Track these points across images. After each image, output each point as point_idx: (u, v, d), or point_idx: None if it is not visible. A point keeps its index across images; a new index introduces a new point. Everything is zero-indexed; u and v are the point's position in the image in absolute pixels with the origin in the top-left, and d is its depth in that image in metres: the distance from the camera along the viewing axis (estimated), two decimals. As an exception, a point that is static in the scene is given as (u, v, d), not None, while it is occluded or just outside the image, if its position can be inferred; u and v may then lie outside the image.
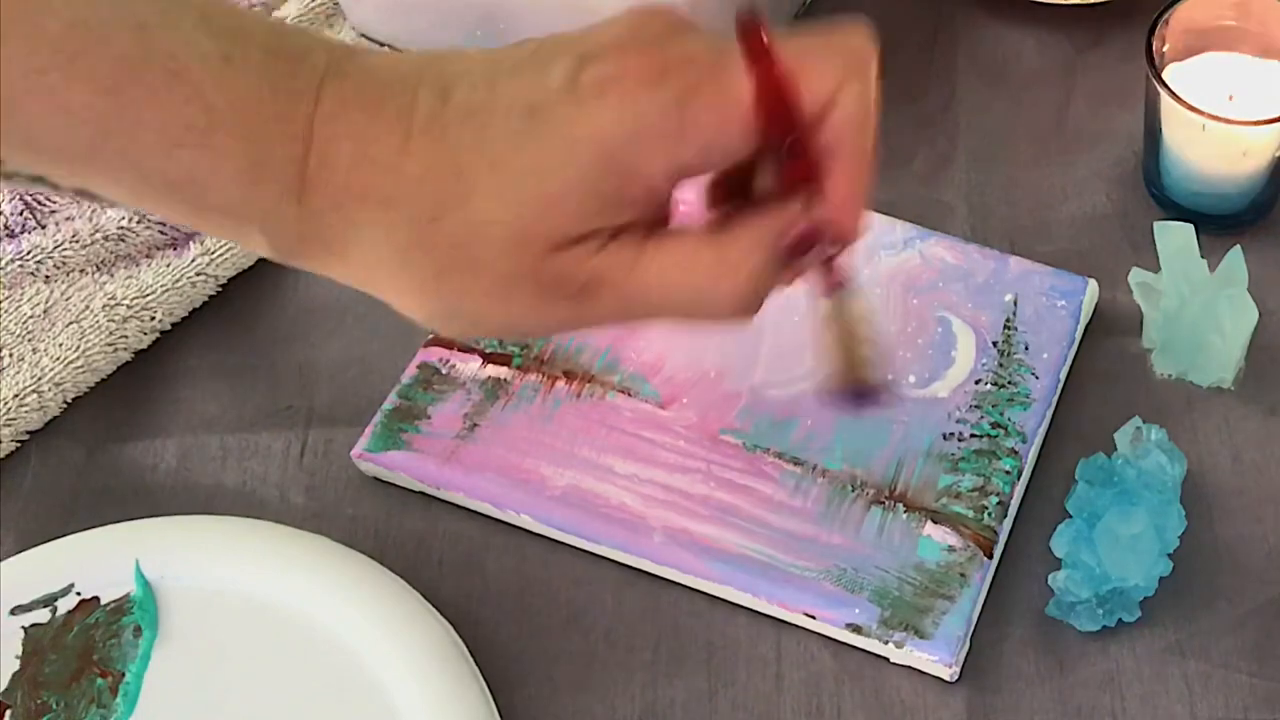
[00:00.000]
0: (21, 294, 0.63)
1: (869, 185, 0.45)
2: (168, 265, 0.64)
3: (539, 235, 0.42)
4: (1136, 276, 0.61)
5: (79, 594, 0.55)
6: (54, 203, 0.65)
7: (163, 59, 0.41)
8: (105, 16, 0.40)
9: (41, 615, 0.55)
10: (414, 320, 0.45)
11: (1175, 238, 0.59)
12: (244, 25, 0.43)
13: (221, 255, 0.64)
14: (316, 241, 0.43)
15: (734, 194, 0.47)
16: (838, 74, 0.43)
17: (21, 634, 0.55)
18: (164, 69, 0.41)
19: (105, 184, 0.43)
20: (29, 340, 0.62)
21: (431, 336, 0.61)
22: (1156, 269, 0.60)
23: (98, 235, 0.63)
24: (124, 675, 0.54)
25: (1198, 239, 0.59)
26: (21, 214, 0.64)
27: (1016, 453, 0.57)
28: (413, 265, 0.43)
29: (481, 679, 0.53)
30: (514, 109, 0.42)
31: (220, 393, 0.63)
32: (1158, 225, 0.60)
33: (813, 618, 0.55)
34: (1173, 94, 0.61)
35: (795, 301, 0.62)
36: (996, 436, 0.58)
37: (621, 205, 0.43)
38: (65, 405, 0.62)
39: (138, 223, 0.64)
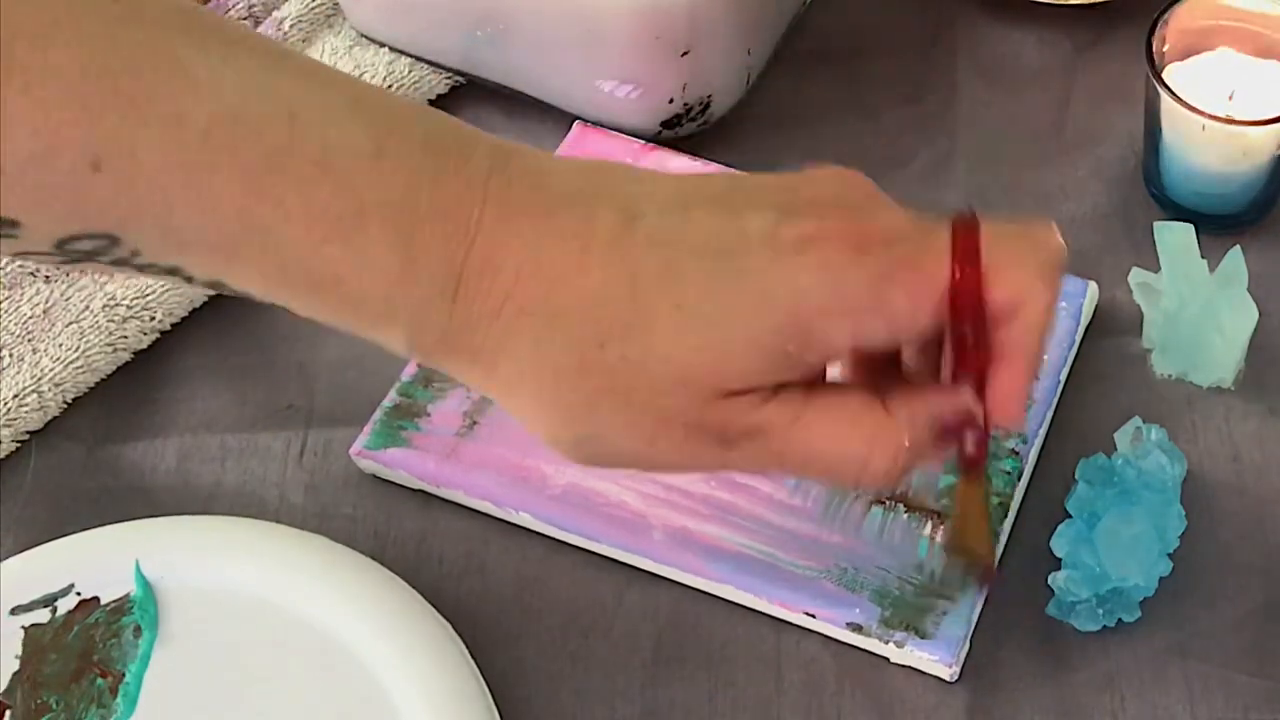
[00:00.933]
0: (21, 294, 0.63)
1: (1033, 383, 0.46)
2: (168, 265, 0.64)
3: (709, 383, 0.41)
4: (1136, 276, 0.60)
5: (79, 594, 0.55)
6: (54, 203, 0.65)
7: (313, 151, 0.39)
8: (254, 105, 0.38)
9: (41, 615, 0.55)
10: (540, 439, 0.43)
11: (1175, 238, 0.59)
12: (398, 113, 0.41)
13: (221, 255, 0.64)
14: (464, 348, 0.42)
15: (880, 359, 0.47)
16: (1029, 280, 0.43)
17: (21, 634, 0.55)
18: (313, 162, 0.39)
19: (244, 277, 0.41)
20: (29, 340, 0.62)
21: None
22: (1156, 269, 0.60)
23: (98, 235, 0.63)
24: (124, 675, 0.54)
25: (1198, 239, 0.59)
26: (21, 214, 0.64)
27: (1016, 453, 0.57)
28: (564, 388, 0.42)
29: (481, 679, 0.53)
30: (708, 248, 0.41)
31: (220, 393, 0.63)
32: (1158, 225, 0.59)
33: (813, 617, 0.55)
34: (1173, 94, 0.61)
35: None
36: (996, 437, 0.58)
37: (795, 366, 0.42)
38: (65, 405, 0.62)
39: (138, 223, 0.64)
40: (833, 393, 0.44)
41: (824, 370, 0.45)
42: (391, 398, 0.60)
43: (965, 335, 0.44)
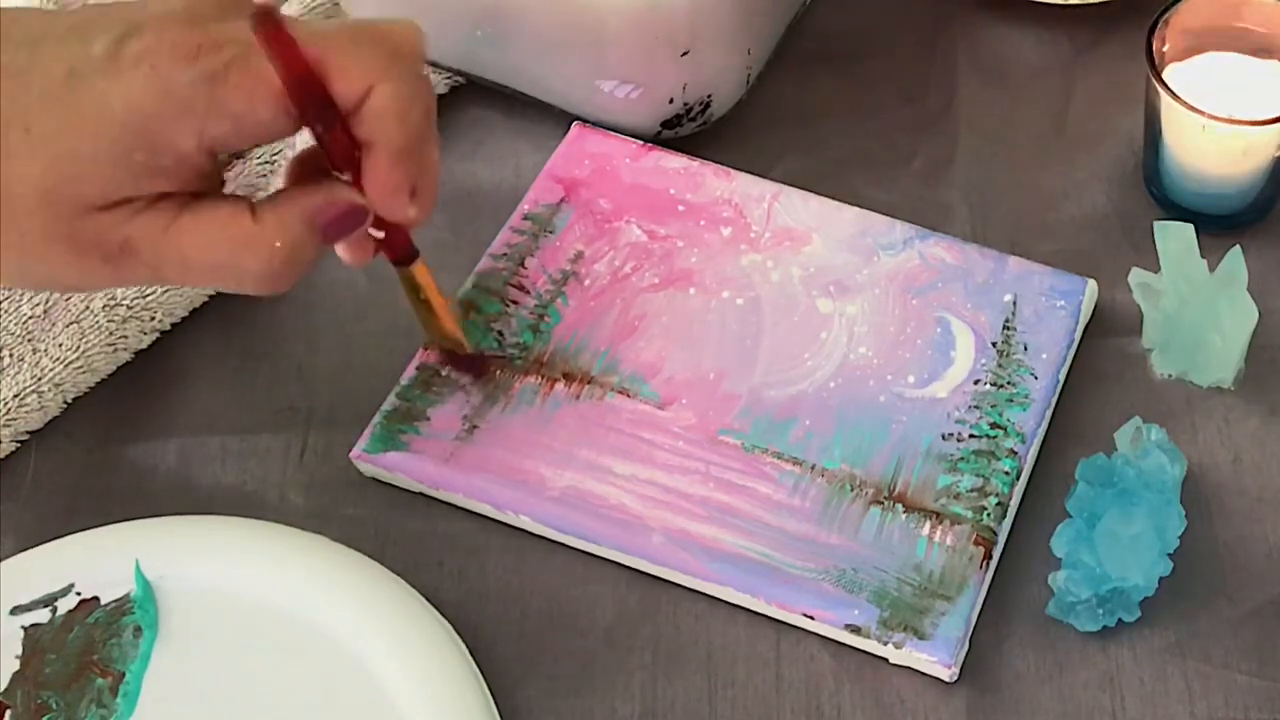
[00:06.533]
0: (22, 294, 0.63)
1: (415, 175, 0.48)
2: (168, 265, 0.64)
3: (68, 197, 0.44)
4: (1136, 276, 0.60)
5: (79, 594, 0.55)
6: (54, 203, 0.65)
7: None
8: None
9: (41, 615, 0.55)
10: None
11: (1175, 238, 0.59)
12: None
13: (221, 255, 0.64)
14: None
15: (318, 171, 0.49)
16: (371, 70, 0.46)
17: (21, 634, 0.55)
18: None
19: None
20: (29, 340, 0.62)
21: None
22: (1156, 269, 0.60)
23: (98, 235, 0.63)
24: (124, 675, 0.54)
25: (1198, 239, 0.59)
26: (22, 214, 0.64)
27: (1015, 453, 0.57)
28: None
29: (481, 679, 0.53)
30: (53, 73, 0.44)
31: (220, 393, 0.63)
32: (1158, 225, 0.59)
33: (812, 618, 0.55)
34: (1173, 94, 0.61)
35: (795, 301, 0.62)
36: (995, 437, 0.58)
37: (153, 174, 0.45)
38: (65, 405, 0.62)
39: (138, 223, 0.64)
40: (207, 204, 0.47)
41: (214, 184, 0.48)
42: (391, 401, 0.60)
43: (317, 129, 0.46)
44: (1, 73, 0.44)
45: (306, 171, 0.50)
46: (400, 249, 0.53)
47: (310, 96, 0.45)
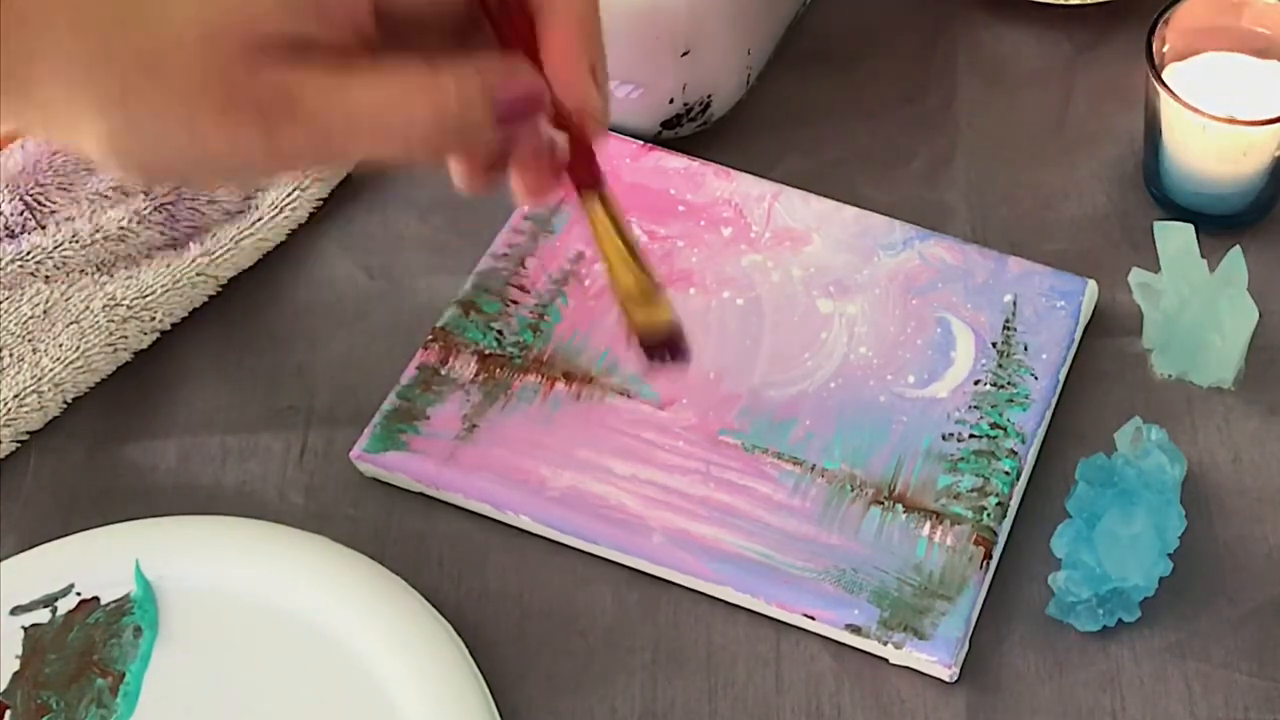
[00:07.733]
0: (21, 294, 0.63)
1: (593, 61, 0.45)
2: (168, 265, 0.64)
3: (233, 35, 0.41)
4: (1136, 276, 0.61)
5: (79, 594, 0.55)
6: (54, 203, 0.65)
7: None
8: None
9: (41, 615, 0.55)
10: (94, 158, 0.42)
11: (1175, 238, 0.59)
12: None
13: (221, 255, 0.64)
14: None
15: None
16: None
17: (21, 634, 0.55)
18: None
19: None
20: (29, 340, 0.62)
21: (431, 336, 0.61)
22: (1156, 269, 0.60)
23: (98, 235, 0.63)
24: (124, 675, 0.54)
25: (1198, 239, 0.59)
26: (21, 214, 0.64)
27: (1016, 453, 0.57)
28: (96, 78, 0.41)
29: (481, 679, 0.53)
30: None
31: (220, 393, 0.63)
32: (1158, 225, 0.60)
33: (812, 618, 0.55)
34: (1173, 94, 0.61)
35: (795, 301, 0.62)
36: (996, 437, 0.58)
37: (318, 17, 0.42)
38: (65, 405, 0.62)
39: (138, 223, 0.64)
40: (371, 63, 0.43)
41: (374, 49, 0.44)
42: (391, 401, 0.60)
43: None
44: None
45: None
46: (583, 170, 0.48)
47: None
